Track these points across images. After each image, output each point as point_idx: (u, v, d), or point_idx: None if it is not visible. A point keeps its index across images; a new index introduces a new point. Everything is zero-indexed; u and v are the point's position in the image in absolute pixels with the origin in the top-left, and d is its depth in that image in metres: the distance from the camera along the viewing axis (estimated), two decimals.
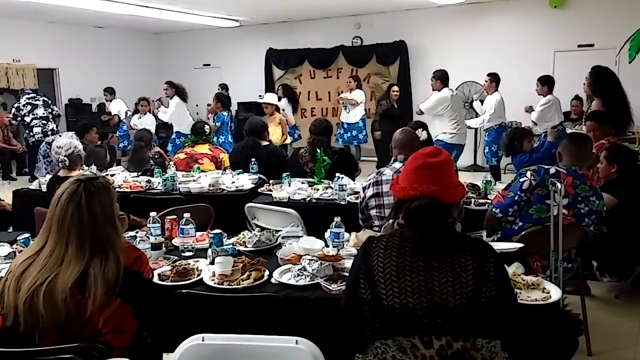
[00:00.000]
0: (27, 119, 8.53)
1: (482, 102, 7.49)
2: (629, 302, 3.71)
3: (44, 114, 8.62)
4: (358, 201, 3.49)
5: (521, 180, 2.99)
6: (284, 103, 8.69)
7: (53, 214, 1.78)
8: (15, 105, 8.72)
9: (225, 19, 10.37)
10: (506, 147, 4.56)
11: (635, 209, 3.52)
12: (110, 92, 9.78)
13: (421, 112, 6.78)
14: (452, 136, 6.48)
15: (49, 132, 8.49)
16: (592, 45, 8.12)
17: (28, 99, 8.65)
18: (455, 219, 1.74)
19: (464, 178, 3.37)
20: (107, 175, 4.54)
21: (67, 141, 3.57)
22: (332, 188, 3.81)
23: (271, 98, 6.96)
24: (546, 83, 6.95)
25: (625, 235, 3.56)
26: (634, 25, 5.84)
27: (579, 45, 8.26)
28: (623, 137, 4.77)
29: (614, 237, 3.51)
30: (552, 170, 2.95)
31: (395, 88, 8.16)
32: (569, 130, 7.21)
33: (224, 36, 11.55)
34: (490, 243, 2.51)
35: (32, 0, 7.62)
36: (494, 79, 7.19)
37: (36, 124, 8.54)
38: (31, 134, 8.53)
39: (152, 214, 2.64)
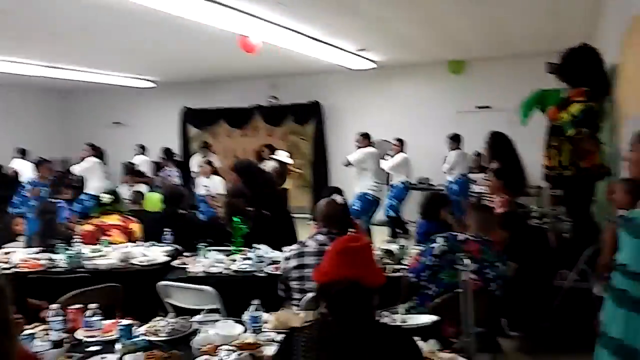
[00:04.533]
0: None
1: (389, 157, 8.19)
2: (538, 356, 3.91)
3: None
4: (277, 272, 3.46)
5: (432, 246, 3.13)
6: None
7: None
8: None
9: (140, 79, 10.20)
10: (424, 210, 4.47)
11: (534, 267, 3.78)
12: (20, 152, 9.18)
13: (348, 164, 7.42)
14: (377, 190, 7.16)
15: None
16: (489, 107, 8.84)
17: None
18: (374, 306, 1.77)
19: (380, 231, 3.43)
20: (3, 253, 4.16)
21: None
22: (250, 259, 3.74)
23: (283, 156, 7.91)
24: (454, 139, 8.14)
25: (530, 292, 3.80)
26: (524, 89, 6.44)
27: (478, 107, 8.98)
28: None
29: (521, 295, 3.72)
30: (461, 237, 3.11)
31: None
32: (473, 187, 7.88)
33: (138, 95, 11.29)
34: (406, 317, 2.59)
35: None
36: (401, 143, 8.12)
37: None
38: None
39: (53, 306, 2.43)
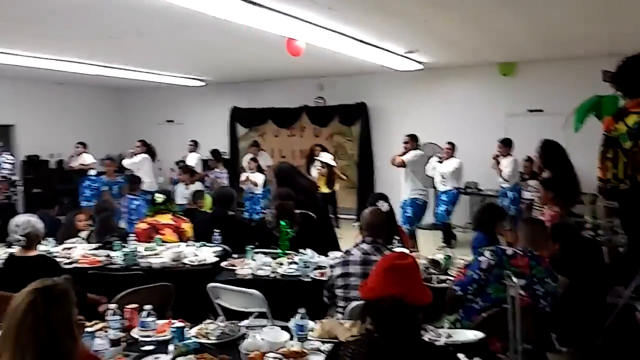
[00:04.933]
0: None
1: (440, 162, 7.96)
2: None
3: None
4: (323, 278, 3.51)
5: (480, 259, 3.09)
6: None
7: (9, 325, 1.72)
8: None
9: (190, 78, 10.50)
10: (479, 221, 4.23)
11: (586, 282, 3.66)
12: (83, 145, 9.62)
13: (402, 165, 7.09)
14: (426, 194, 7.05)
15: None
16: (541, 110, 8.58)
17: None
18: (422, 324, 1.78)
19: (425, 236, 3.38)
20: (64, 248, 4.41)
21: (24, 219, 3.46)
22: (296, 263, 3.81)
23: (327, 158, 8.25)
24: (507, 144, 7.79)
25: (581, 308, 3.68)
26: (579, 93, 6.24)
27: (529, 110, 8.73)
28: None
29: (572, 310, 3.62)
30: (510, 251, 3.06)
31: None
32: (524, 193, 7.67)
33: (188, 94, 11.64)
34: (451, 332, 2.58)
35: None
36: (453, 147, 7.88)
37: None
38: None
39: (111, 306, 2.57)
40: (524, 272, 2.97)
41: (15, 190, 8.57)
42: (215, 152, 9.55)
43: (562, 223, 4.16)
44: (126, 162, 8.49)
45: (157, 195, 4.86)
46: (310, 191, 5.40)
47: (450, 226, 8.03)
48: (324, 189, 8.33)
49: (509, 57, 8.45)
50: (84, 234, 4.91)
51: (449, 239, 7.88)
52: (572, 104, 6.21)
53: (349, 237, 3.49)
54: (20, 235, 3.42)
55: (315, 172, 8.87)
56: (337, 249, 4.44)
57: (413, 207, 7.01)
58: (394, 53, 7.47)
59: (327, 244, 4.48)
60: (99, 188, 8.34)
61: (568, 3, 5.12)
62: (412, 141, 7.23)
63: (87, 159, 9.45)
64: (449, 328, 2.84)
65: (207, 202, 6.31)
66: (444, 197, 7.93)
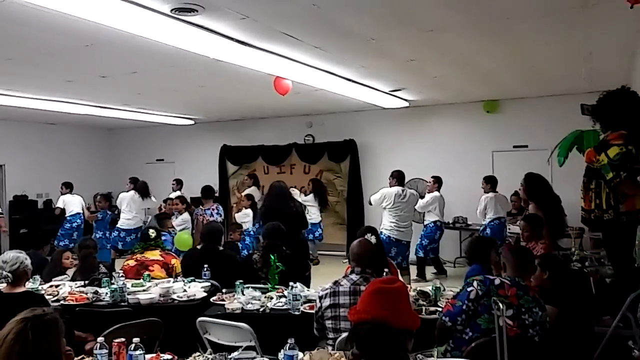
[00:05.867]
0: None
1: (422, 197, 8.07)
2: None
3: None
4: (312, 311, 3.50)
5: (468, 289, 3.10)
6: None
7: None
8: None
9: (180, 117, 10.62)
10: (470, 254, 4.28)
11: (574, 312, 3.68)
12: (66, 186, 9.55)
13: (370, 203, 7.38)
14: (392, 231, 6.91)
15: None
16: (526, 146, 8.77)
17: None
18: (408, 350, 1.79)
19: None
20: (52, 285, 4.36)
21: (13, 255, 3.44)
22: (285, 297, 3.81)
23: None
24: (488, 181, 7.87)
25: (570, 338, 3.69)
26: (562, 128, 6.42)
27: (514, 146, 8.91)
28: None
29: (561, 340, 3.62)
30: (497, 281, 3.08)
31: None
32: (509, 226, 7.75)
33: (178, 132, 11.75)
34: None
35: None
36: (437, 181, 8.03)
37: None
38: None
39: (99, 339, 2.55)
40: (512, 301, 2.99)
41: None
42: (205, 189, 9.37)
43: (551, 254, 4.22)
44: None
45: (151, 231, 4.87)
46: (300, 212, 5.50)
47: (423, 260, 8.00)
48: None
49: (493, 95, 8.70)
50: (70, 271, 4.87)
51: (424, 273, 7.90)
52: (556, 138, 6.39)
53: (338, 274, 3.47)
54: (8, 272, 3.40)
55: None
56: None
57: (389, 242, 6.88)
58: (380, 91, 7.65)
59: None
60: (75, 226, 8.42)
61: (547, 44, 5.33)
62: (393, 179, 7.16)
63: (66, 199, 9.35)
64: (439, 358, 2.83)
65: (186, 241, 6.38)
66: (422, 231, 8.10)
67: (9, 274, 3.38)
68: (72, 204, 9.25)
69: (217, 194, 10.42)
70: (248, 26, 4.29)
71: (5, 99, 7.56)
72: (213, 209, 7.50)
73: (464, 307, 3.06)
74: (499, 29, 4.70)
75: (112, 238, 8.46)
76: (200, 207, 7.83)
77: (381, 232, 6.83)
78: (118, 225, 8.43)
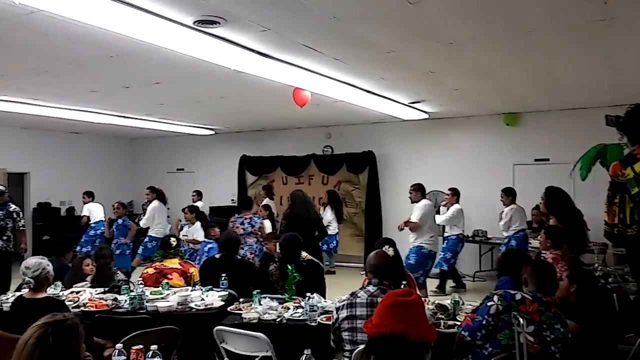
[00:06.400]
0: None
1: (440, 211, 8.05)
2: None
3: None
4: (329, 322, 3.48)
5: (488, 304, 3.04)
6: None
7: (17, 359, 1.74)
8: None
9: (200, 127, 10.75)
10: (501, 266, 4.11)
11: (597, 329, 3.60)
12: (88, 195, 9.68)
13: (417, 227, 6.84)
14: (431, 243, 6.87)
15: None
16: (547, 159, 8.66)
17: None
18: None
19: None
20: (72, 292, 4.42)
21: (35, 262, 3.51)
22: (302, 307, 3.80)
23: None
24: (509, 194, 7.76)
25: (593, 356, 3.60)
26: (584, 142, 6.33)
27: (536, 160, 8.80)
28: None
29: (583, 357, 3.54)
30: (518, 296, 3.03)
31: None
32: (531, 241, 7.62)
33: (199, 142, 11.89)
34: None
35: (7, 110, 7.76)
36: (455, 193, 7.93)
37: None
38: None
39: (118, 346, 2.57)
40: (533, 317, 2.92)
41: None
42: (244, 199, 8.45)
43: (584, 269, 4.11)
44: (142, 223, 8.41)
45: (172, 239, 4.93)
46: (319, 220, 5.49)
47: (454, 272, 7.99)
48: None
49: (514, 108, 8.62)
50: (89, 278, 4.93)
51: (444, 286, 7.84)
52: (578, 152, 6.30)
53: (356, 286, 3.45)
54: (30, 277, 3.46)
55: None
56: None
57: (417, 255, 6.88)
58: (399, 103, 7.65)
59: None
60: (99, 233, 8.52)
61: (569, 55, 5.27)
62: (417, 192, 7.09)
63: (90, 208, 9.47)
64: None
65: None
66: (443, 244, 8.02)
67: (31, 280, 3.44)
68: (96, 211, 9.38)
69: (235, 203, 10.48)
70: (269, 38, 4.34)
71: (32, 108, 7.76)
72: (246, 219, 7.45)
73: (484, 322, 3.00)
74: (520, 41, 4.67)
75: (150, 248, 8.08)
76: (236, 214, 7.78)
77: (421, 246, 6.84)
78: (152, 234, 8.23)
